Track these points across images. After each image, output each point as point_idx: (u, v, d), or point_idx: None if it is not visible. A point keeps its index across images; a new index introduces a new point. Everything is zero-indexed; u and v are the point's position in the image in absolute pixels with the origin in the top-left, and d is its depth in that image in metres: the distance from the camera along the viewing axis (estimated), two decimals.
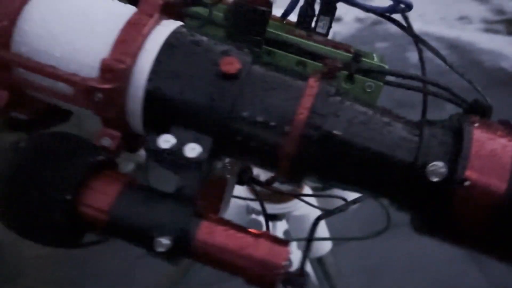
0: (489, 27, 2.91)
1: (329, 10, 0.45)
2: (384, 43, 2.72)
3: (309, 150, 0.32)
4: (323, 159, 0.32)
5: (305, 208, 0.85)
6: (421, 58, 0.44)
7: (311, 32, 0.45)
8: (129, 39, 0.32)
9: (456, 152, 0.30)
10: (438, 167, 0.30)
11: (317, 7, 0.46)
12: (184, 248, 0.30)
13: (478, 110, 0.35)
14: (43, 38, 0.33)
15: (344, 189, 0.37)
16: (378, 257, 1.68)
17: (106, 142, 0.33)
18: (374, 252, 1.65)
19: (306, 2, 0.45)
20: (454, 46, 2.70)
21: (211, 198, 0.42)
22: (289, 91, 0.32)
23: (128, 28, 0.32)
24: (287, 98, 0.32)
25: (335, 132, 0.32)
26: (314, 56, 0.41)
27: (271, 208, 0.84)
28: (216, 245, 0.31)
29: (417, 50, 0.45)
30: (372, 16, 0.45)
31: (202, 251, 0.31)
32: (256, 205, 0.86)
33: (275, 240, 0.31)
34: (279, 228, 1.02)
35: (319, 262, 0.89)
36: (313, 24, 0.46)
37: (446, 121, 0.34)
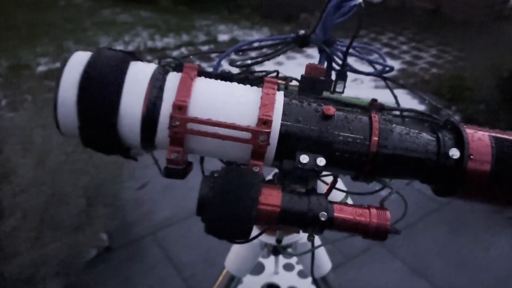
0: (378, 84, 3.48)
1: (343, 76, 0.69)
2: None
3: (380, 157, 0.53)
4: (388, 162, 0.54)
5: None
6: (395, 97, 0.69)
7: (335, 92, 0.68)
8: (268, 103, 0.52)
9: (459, 141, 0.54)
10: (454, 151, 0.53)
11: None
12: (331, 219, 0.49)
13: (448, 123, 0.60)
14: (208, 110, 0.51)
15: (397, 178, 0.58)
16: None
17: (256, 169, 0.52)
18: None
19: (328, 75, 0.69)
20: None
21: None
22: (362, 120, 0.54)
23: (266, 98, 0.52)
24: (363, 124, 0.54)
25: (392, 146, 0.54)
26: (346, 103, 0.64)
27: (284, 239, 0.99)
28: (345, 216, 0.50)
29: (392, 94, 0.70)
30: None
31: (338, 221, 0.50)
32: (269, 240, 1.00)
33: (379, 208, 0.52)
34: (281, 260, 1.18)
35: (323, 281, 1.06)
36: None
37: (445, 126, 0.58)
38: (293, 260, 1.28)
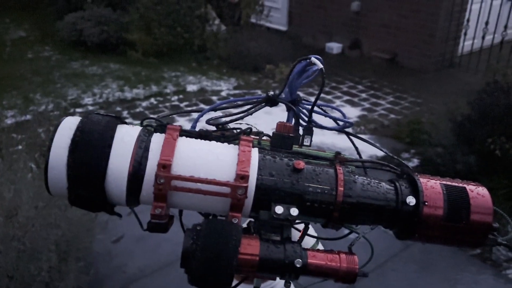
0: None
1: (309, 131, 0.77)
2: None
3: (346, 206, 0.60)
4: (353, 210, 0.61)
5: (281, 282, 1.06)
6: (356, 149, 0.77)
7: (303, 145, 0.75)
8: (244, 159, 0.58)
9: (415, 189, 0.62)
10: (411, 198, 0.61)
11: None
12: (305, 265, 0.55)
13: (404, 172, 0.68)
14: (190, 168, 0.57)
15: (362, 224, 0.65)
16: None
17: (235, 220, 0.58)
18: None
19: (295, 129, 0.76)
20: (320, 147, 3.29)
21: None
22: (329, 173, 0.61)
23: (242, 155, 0.58)
24: (330, 176, 0.61)
25: (355, 195, 0.61)
26: (313, 156, 0.71)
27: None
28: (318, 262, 0.56)
29: (354, 146, 0.79)
30: None
31: (312, 267, 0.56)
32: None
33: (347, 253, 0.58)
34: None
35: None
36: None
37: (401, 175, 0.65)
38: None
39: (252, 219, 0.73)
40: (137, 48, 5.37)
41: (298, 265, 0.55)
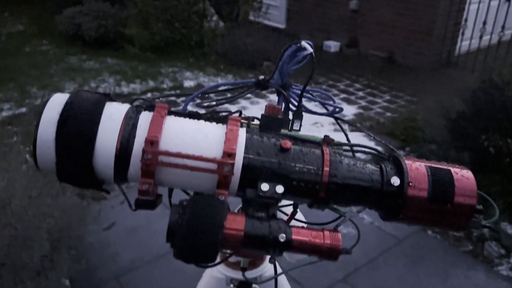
0: (337, 128, 3.63)
1: (299, 116, 0.77)
2: None
3: (332, 186, 0.61)
4: (339, 190, 0.61)
5: (272, 267, 1.06)
6: (346, 135, 0.78)
7: (293, 130, 0.76)
8: (232, 138, 0.59)
9: (400, 171, 0.62)
10: (395, 179, 0.61)
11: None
12: (289, 241, 0.56)
13: (391, 156, 0.68)
14: (178, 144, 0.58)
15: (347, 206, 0.65)
16: None
17: (222, 197, 0.58)
18: None
19: (285, 114, 0.77)
20: None
21: None
22: (315, 153, 0.62)
23: (230, 133, 0.59)
24: (316, 156, 0.61)
25: (341, 175, 0.61)
26: (302, 140, 0.72)
27: (248, 274, 1.03)
28: (301, 238, 0.57)
29: (343, 131, 0.79)
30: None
31: (295, 243, 0.56)
32: (234, 274, 1.05)
33: (331, 230, 0.59)
34: None
35: None
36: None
37: (387, 159, 0.66)
38: None
39: (241, 206, 0.73)
40: (135, 43, 5.36)
41: (281, 240, 0.55)
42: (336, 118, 0.79)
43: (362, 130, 0.81)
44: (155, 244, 2.26)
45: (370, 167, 0.64)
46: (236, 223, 0.56)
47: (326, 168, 0.60)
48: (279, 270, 1.10)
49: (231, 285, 1.09)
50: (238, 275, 1.04)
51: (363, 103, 4.36)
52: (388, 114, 4.10)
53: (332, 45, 5.82)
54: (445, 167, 0.63)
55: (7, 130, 3.07)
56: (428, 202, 0.61)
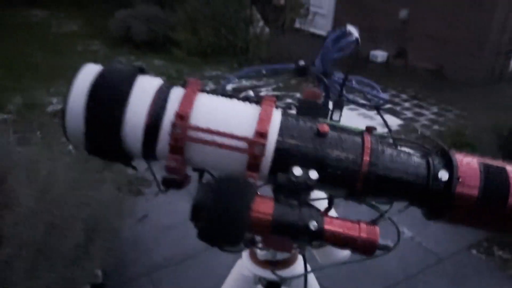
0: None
1: (339, 105, 0.73)
2: None
3: (371, 177, 0.56)
4: (379, 182, 0.56)
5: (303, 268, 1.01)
6: (388, 127, 0.73)
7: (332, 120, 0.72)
8: (265, 118, 0.55)
9: (448, 165, 0.57)
10: (443, 173, 0.56)
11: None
12: (321, 230, 0.51)
13: (438, 149, 0.62)
14: (208, 120, 0.55)
15: (387, 201, 0.60)
16: None
17: (252, 180, 0.55)
18: None
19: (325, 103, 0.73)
20: None
21: None
22: (355, 141, 0.57)
23: (263, 113, 0.56)
24: (356, 144, 0.57)
25: (382, 166, 0.56)
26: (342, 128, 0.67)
27: (278, 273, 0.98)
28: (335, 228, 0.52)
29: (385, 124, 0.74)
30: None
31: (328, 233, 0.52)
32: (263, 273, 1.00)
33: (369, 223, 0.54)
34: None
35: None
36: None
37: (434, 152, 0.61)
38: None
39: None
40: (182, 47, 5.45)
41: (313, 228, 0.51)
42: (379, 111, 0.74)
43: (414, 127, 0.75)
44: (189, 243, 2.25)
45: (416, 159, 0.58)
46: (265, 207, 0.52)
47: (366, 157, 0.56)
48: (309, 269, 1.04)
49: (259, 285, 1.05)
50: (267, 274, 1.00)
51: (409, 114, 4.21)
52: (435, 127, 3.94)
53: (379, 55, 5.69)
54: (500, 165, 0.57)
55: (54, 123, 3.17)
56: (478, 202, 0.55)
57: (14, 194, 1.70)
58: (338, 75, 0.75)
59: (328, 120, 0.68)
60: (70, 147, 2.24)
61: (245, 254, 1.07)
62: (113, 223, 1.99)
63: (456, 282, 2.11)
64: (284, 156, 0.55)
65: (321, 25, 6.36)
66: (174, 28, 5.58)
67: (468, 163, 0.56)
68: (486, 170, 0.55)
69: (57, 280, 1.68)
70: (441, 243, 2.35)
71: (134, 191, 2.63)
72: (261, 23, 5.75)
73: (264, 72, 0.74)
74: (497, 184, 0.54)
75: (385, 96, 0.72)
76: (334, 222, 0.53)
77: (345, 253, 0.94)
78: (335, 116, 0.72)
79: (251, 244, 0.60)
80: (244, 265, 1.04)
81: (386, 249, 0.54)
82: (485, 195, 0.55)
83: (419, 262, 2.19)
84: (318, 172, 0.55)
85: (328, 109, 0.72)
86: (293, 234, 0.52)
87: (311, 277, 1.03)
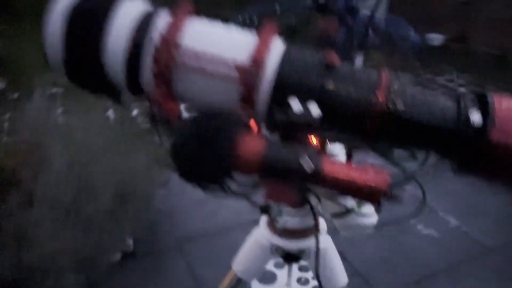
0: None
1: (363, 48, 0.63)
2: None
3: (386, 117, 0.46)
4: (395, 124, 0.47)
5: (324, 243, 0.93)
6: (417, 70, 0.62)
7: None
8: (263, 44, 0.47)
9: (484, 108, 0.46)
10: (476, 117, 0.46)
11: None
12: (318, 172, 0.43)
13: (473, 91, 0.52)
14: (199, 45, 0.47)
15: (406, 147, 0.51)
16: None
17: (244, 115, 0.47)
18: None
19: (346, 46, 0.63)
20: None
21: None
22: (371, 75, 0.48)
23: (262, 39, 0.47)
24: (371, 79, 0.47)
25: (402, 106, 0.47)
26: None
27: (295, 244, 0.91)
28: (335, 171, 0.44)
29: (412, 66, 0.63)
30: None
31: (327, 176, 0.43)
32: (281, 243, 0.93)
33: (377, 168, 0.45)
34: (294, 269, 1.08)
35: None
36: None
37: (469, 94, 0.50)
38: (310, 275, 1.19)
39: None
40: None
41: (308, 170, 0.42)
42: (411, 53, 0.63)
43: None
44: (221, 218, 2.22)
45: (445, 100, 0.48)
46: (254, 143, 0.44)
47: (382, 94, 0.46)
48: (330, 245, 0.96)
49: (276, 256, 0.98)
50: (283, 243, 0.93)
51: None
52: None
53: (436, 38, 5.37)
54: None
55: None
56: None
57: (49, 157, 1.73)
58: (365, 15, 0.65)
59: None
60: (109, 113, 2.24)
61: (263, 221, 1.01)
62: (145, 191, 1.98)
63: (505, 276, 1.94)
64: (285, 90, 0.47)
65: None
66: None
67: (509, 107, 0.45)
68: None
69: (86, 244, 1.69)
70: (489, 233, 2.17)
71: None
72: None
73: (277, 10, 0.66)
74: None
75: (417, 38, 0.62)
76: (336, 164, 0.44)
77: (369, 224, 0.85)
78: (358, 61, 0.63)
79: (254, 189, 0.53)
80: (260, 233, 0.97)
81: (395, 199, 0.45)
82: None
83: (463, 252, 2.03)
84: (325, 111, 0.46)
85: (351, 52, 0.63)
86: (285, 175, 0.44)
87: (332, 250, 0.94)
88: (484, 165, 0.45)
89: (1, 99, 2.55)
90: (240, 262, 1.01)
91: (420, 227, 2.15)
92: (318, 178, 0.43)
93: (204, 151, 0.42)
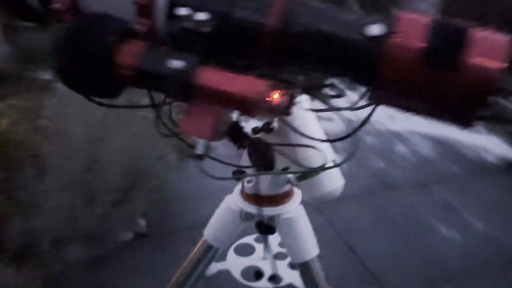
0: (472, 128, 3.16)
1: None
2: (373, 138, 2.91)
3: (284, 32, 0.44)
4: (296, 38, 0.44)
5: (295, 212, 0.90)
6: None
7: None
8: None
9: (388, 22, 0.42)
10: (373, 27, 0.42)
11: None
12: (190, 84, 0.41)
13: None
14: None
15: (311, 70, 0.48)
16: None
17: (139, 27, 0.46)
18: None
19: None
20: (441, 142, 2.91)
21: None
22: None
23: None
24: None
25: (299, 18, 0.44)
26: None
27: (263, 211, 0.88)
28: (209, 82, 0.41)
29: None
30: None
31: (201, 88, 0.41)
32: (250, 209, 0.91)
33: (255, 78, 0.42)
34: (273, 242, 1.05)
35: (305, 267, 0.90)
36: None
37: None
38: None
39: None
40: None
41: (175, 72, 0.40)
42: None
43: None
44: None
45: (350, 16, 0.45)
46: (131, 50, 0.43)
47: (276, 6, 0.44)
48: (302, 215, 0.92)
49: (247, 223, 0.96)
50: (252, 209, 0.91)
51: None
52: None
53: None
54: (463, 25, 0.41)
55: None
56: (422, 59, 0.40)
57: (64, 129, 1.79)
58: None
59: None
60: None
61: (236, 188, 1.00)
62: (159, 173, 2.00)
63: None
64: (179, 3, 0.46)
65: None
66: None
67: (413, 18, 0.42)
68: (436, 27, 0.40)
69: (96, 218, 1.73)
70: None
71: (193, 155, 2.64)
72: None
73: None
74: (450, 38, 0.39)
75: None
76: (212, 75, 0.42)
77: (332, 188, 0.81)
78: None
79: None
80: (231, 199, 0.96)
81: (284, 113, 0.42)
82: (432, 50, 0.40)
83: (485, 256, 1.90)
84: (223, 23, 0.44)
85: None
86: (157, 83, 0.42)
87: (303, 220, 0.91)
88: (380, 74, 0.41)
89: (48, 88, 2.69)
90: (211, 229, 1.01)
91: (443, 229, 2.04)
92: (190, 89, 0.41)
93: (79, 54, 0.42)
